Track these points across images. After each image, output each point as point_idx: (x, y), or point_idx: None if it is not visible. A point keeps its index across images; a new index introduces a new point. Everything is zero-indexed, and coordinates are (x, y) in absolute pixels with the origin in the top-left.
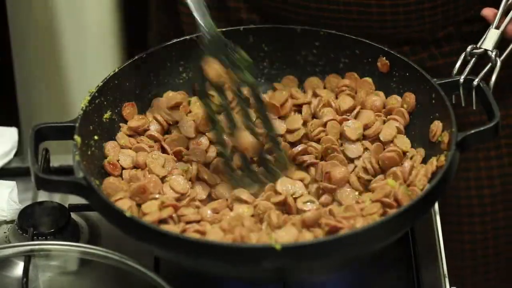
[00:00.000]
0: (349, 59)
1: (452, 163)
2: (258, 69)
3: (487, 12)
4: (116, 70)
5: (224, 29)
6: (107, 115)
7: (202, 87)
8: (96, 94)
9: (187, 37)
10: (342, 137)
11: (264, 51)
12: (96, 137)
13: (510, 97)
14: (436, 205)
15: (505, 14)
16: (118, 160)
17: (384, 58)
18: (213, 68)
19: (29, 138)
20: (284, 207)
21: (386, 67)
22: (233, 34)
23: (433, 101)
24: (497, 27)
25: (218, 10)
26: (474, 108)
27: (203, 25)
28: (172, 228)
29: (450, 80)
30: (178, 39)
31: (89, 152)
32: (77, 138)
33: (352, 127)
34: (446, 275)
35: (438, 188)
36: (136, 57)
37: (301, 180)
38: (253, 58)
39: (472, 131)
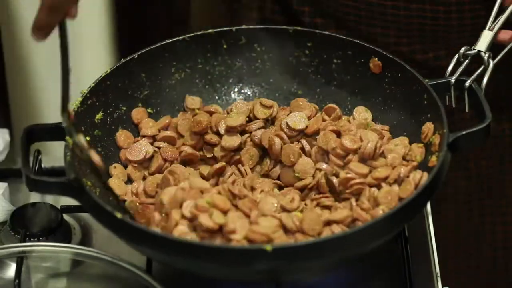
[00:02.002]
0: (342, 59)
1: (443, 164)
2: (251, 69)
3: (503, 36)
4: (108, 71)
5: (217, 29)
6: (99, 116)
7: None
8: (88, 95)
9: (179, 37)
10: None
11: (256, 51)
12: (88, 138)
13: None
14: (429, 205)
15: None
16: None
17: (376, 58)
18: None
19: (21, 139)
20: None
21: (378, 68)
22: (226, 35)
23: (425, 102)
24: (491, 29)
25: (282, 13)
26: (466, 109)
27: None
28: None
29: (442, 81)
30: (170, 40)
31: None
32: (68, 139)
33: None
34: (439, 275)
35: (429, 189)
36: (128, 58)
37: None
38: (246, 59)
39: (464, 132)
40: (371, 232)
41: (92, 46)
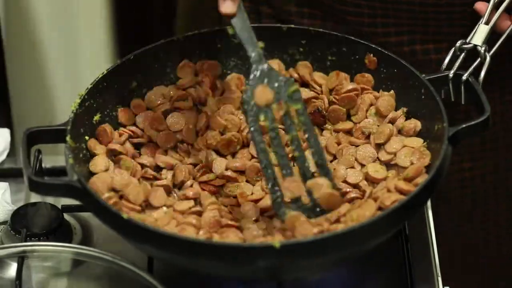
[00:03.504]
0: (336, 56)
1: (445, 158)
2: (245, 68)
3: (480, 6)
4: (105, 72)
5: (211, 29)
6: (96, 117)
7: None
8: (86, 97)
9: (174, 38)
10: None
11: None
12: (87, 138)
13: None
14: (429, 203)
15: (495, 8)
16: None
17: (372, 55)
18: (264, 93)
19: (22, 142)
20: None
21: (373, 64)
22: (220, 34)
23: (423, 97)
24: (487, 23)
25: (268, 5)
26: (463, 103)
27: (255, 57)
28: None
29: (439, 75)
30: (165, 40)
31: (80, 155)
32: (69, 141)
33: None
34: (439, 275)
35: (432, 183)
36: (124, 59)
37: None
38: (240, 57)
39: (463, 126)
40: (374, 228)
41: (92, 47)
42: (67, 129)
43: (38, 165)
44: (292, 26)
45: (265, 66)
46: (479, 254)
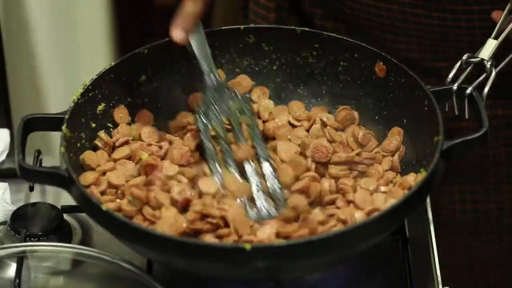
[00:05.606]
0: (348, 62)
1: (434, 171)
2: (258, 69)
3: (495, 15)
4: (113, 63)
5: (225, 27)
6: (101, 107)
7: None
8: (90, 87)
9: None
10: None
11: (264, 50)
12: (94, 125)
13: None
14: (429, 202)
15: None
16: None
17: (382, 63)
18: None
19: (18, 127)
20: None
21: (383, 72)
22: (234, 33)
23: (425, 108)
24: (496, 37)
25: (291, 12)
26: (466, 117)
27: (208, 73)
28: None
29: (443, 87)
30: None
31: (78, 145)
32: (65, 129)
33: None
34: (439, 275)
35: (416, 197)
36: (136, 51)
37: None
38: (253, 58)
39: (459, 140)
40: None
41: (93, 47)
42: (64, 118)
43: (38, 164)
44: (306, 29)
45: (215, 83)
46: (479, 254)
